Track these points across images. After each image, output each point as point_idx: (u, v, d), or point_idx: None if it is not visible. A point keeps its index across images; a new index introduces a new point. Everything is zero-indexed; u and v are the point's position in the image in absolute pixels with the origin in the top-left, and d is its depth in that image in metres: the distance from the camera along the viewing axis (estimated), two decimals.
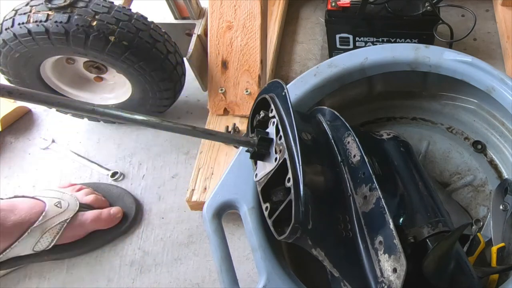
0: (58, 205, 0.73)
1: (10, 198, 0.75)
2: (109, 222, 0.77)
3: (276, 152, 0.50)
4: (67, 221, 0.73)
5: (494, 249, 0.62)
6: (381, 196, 0.50)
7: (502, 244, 0.62)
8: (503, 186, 0.68)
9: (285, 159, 0.48)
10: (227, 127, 0.83)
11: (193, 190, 0.77)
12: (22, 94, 0.39)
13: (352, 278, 0.49)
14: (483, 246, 0.64)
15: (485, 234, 0.65)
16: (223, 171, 0.69)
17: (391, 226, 0.48)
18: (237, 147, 0.74)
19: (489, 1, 1.06)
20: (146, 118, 0.45)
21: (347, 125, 0.58)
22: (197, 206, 0.77)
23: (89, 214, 0.75)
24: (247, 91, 0.82)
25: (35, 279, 0.76)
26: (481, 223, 0.68)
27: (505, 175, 0.72)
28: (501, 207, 0.66)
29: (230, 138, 0.55)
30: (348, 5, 0.86)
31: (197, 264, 0.76)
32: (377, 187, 0.51)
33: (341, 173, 0.56)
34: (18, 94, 0.39)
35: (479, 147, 0.75)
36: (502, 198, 0.67)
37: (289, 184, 0.47)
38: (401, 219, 0.54)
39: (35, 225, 0.71)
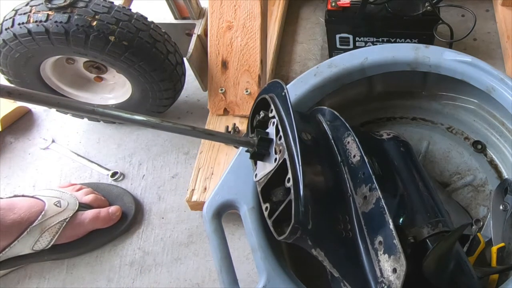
0: (58, 204, 0.73)
1: (9, 197, 0.75)
2: (107, 221, 0.77)
3: (276, 152, 0.50)
4: (66, 220, 0.73)
5: (494, 249, 0.62)
6: (381, 196, 0.50)
7: (502, 244, 0.62)
8: (503, 186, 0.68)
9: (285, 159, 0.48)
10: (227, 127, 0.83)
11: (193, 190, 0.77)
12: (21, 95, 0.39)
13: (352, 278, 0.49)
14: (483, 246, 0.64)
15: (485, 234, 0.65)
16: (223, 171, 0.69)
17: (391, 226, 0.48)
18: (237, 147, 0.74)
19: (489, 1, 1.06)
20: (145, 118, 0.45)
21: (347, 125, 0.58)
22: (197, 206, 0.77)
23: (88, 213, 0.75)
24: (247, 91, 0.82)
25: (35, 279, 0.76)
26: (481, 223, 0.68)
27: (505, 175, 0.72)
28: (501, 207, 0.66)
29: (230, 138, 0.55)
30: (348, 5, 0.85)
31: (197, 264, 0.76)
32: (377, 187, 0.51)
33: (341, 173, 0.56)
34: (17, 94, 0.39)
35: (479, 147, 0.75)
36: (502, 198, 0.67)
37: (289, 184, 0.47)
38: (401, 219, 0.54)
39: (34, 224, 0.71)
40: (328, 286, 0.54)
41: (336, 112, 0.61)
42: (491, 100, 0.65)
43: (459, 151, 0.76)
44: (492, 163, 0.74)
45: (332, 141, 0.58)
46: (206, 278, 0.74)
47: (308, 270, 0.61)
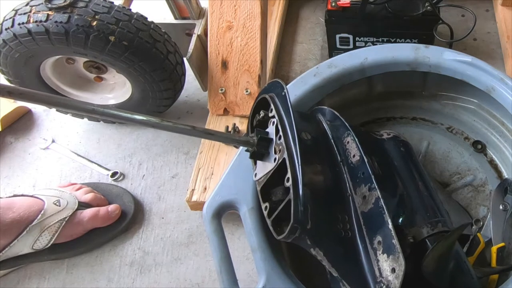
0: (57, 203, 0.73)
1: (9, 197, 0.75)
2: (106, 220, 0.77)
3: (275, 152, 0.50)
4: (66, 219, 0.73)
5: (494, 249, 0.62)
6: (380, 196, 0.50)
7: (502, 244, 0.62)
8: (503, 186, 0.68)
9: (284, 158, 0.48)
10: (227, 127, 0.83)
11: (193, 190, 0.77)
12: (22, 94, 0.40)
13: (351, 278, 0.49)
14: (483, 246, 0.64)
15: (485, 234, 0.65)
16: (223, 171, 0.69)
17: (390, 226, 0.48)
18: (237, 147, 0.74)
19: (489, 1, 1.06)
20: (145, 118, 0.46)
21: (347, 124, 0.58)
22: (197, 206, 0.77)
23: (87, 212, 0.75)
24: (247, 91, 0.82)
25: (35, 279, 0.76)
26: (481, 223, 0.68)
27: (505, 175, 0.72)
28: (501, 207, 0.66)
29: (229, 138, 0.55)
30: (348, 5, 0.86)
31: (197, 264, 0.76)
32: (376, 187, 0.51)
33: (340, 173, 0.56)
34: (18, 93, 0.39)
35: (479, 147, 0.75)
36: (502, 198, 0.67)
37: (288, 183, 0.47)
38: (401, 219, 0.54)
39: (33, 223, 0.71)
40: (328, 286, 0.54)
41: (336, 112, 0.61)
42: (491, 100, 0.65)
43: (459, 151, 0.76)
44: (492, 163, 0.74)
45: (332, 140, 0.58)
46: (206, 278, 0.74)
47: (308, 270, 0.61)
